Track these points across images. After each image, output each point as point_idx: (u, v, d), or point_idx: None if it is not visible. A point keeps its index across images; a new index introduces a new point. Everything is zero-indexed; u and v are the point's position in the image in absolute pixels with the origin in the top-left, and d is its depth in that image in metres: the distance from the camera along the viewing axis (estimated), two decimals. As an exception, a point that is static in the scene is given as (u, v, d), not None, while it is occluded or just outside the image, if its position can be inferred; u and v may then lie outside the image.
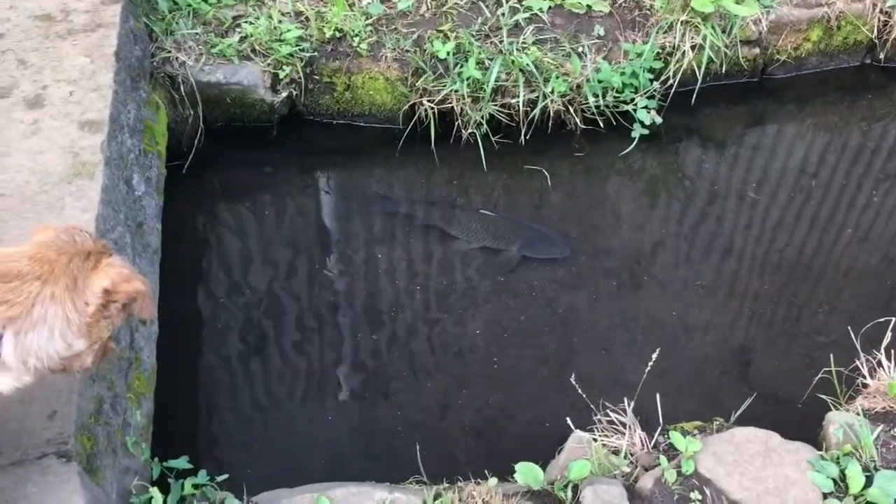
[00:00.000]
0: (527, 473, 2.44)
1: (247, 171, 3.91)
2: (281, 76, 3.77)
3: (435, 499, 2.36)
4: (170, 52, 3.67)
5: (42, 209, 2.55)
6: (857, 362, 2.80)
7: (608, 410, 2.70)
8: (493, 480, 2.45)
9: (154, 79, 3.62)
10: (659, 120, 3.92)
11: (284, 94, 3.83)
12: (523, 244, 3.57)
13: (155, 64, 3.64)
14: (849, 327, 2.98)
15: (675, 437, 2.51)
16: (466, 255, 3.58)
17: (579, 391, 2.77)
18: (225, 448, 2.91)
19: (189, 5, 3.79)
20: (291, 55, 3.76)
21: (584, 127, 3.94)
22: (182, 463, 2.48)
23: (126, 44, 3.26)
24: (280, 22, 3.83)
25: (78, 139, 2.77)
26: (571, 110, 3.91)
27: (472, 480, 2.50)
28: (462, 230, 3.62)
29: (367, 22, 3.89)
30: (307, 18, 3.87)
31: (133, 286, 1.83)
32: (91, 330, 1.79)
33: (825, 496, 2.36)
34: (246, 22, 3.81)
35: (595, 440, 2.59)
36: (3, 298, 1.69)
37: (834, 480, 2.39)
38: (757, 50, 4.15)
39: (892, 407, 2.62)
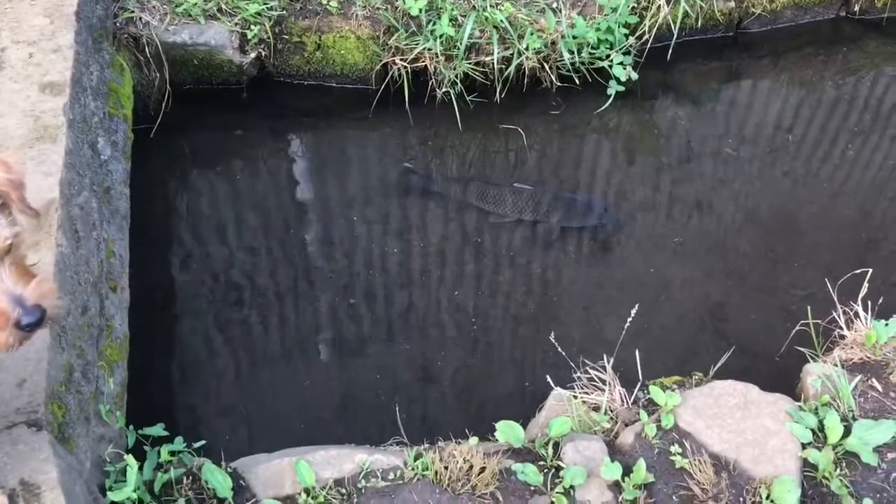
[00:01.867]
0: (507, 431, 2.42)
1: (217, 134, 3.82)
2: (249, 36, 3.67)
3: (415, 459, 2.34)
4: (133, 11, 3.55)
5: (3, 174, 2.46)
6: (834, 314, 2.81)
7: (588, 368, 2.69)
8: (473, 440, 2.44)
9: (117, 40, 3.51)
10: (635, 76, 3.88)
11: (253, 55, 3.74)
12: (563, 215, 3.50)
13: (118, 24, 3.52)
14: (825, 279, 2.98)
15: (655, 392, 2.50)
16: (441, 215, 3.54)
17: (559, 349, 2.76)
18: (202, 415, 2.88)
19: (152, -37, 3.67)
20: (259, 14, 3.66)
21: (559, 84, 3.89)
22: (158, 430, 2.44)
23: (87, 3, 3.15)
24: (247, -20, 3.72)
25: (39, 102, 2.68)
26: (547, 67, 3.86)
27: (454, 440, 2.48)
28: (497, 205, 3.52)
29: (337, -21, 3.79)
30: (275, -24, 3.76)
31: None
32: None
33: (804, 446, 2.38)
34: (211, -20, 3.70)
35: (575, 397, 2.58)
36: None
37: (812, 431, 2.41)
38: (732, 4, 4.11)
39: (869, 357, 2.64)
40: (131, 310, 2.87)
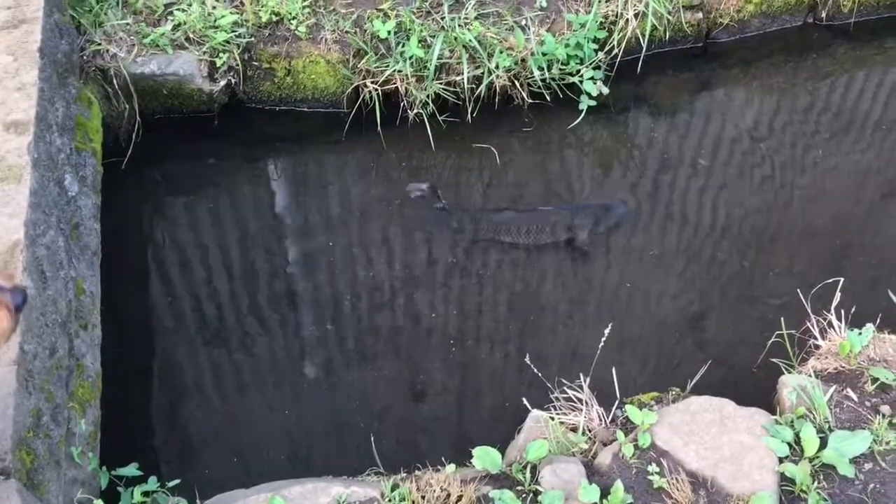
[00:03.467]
0: (484, 458, 2.41)
1: (189, 163, 3.81)
2: (218, 64, 3.66)
3: (392, 489, 2.33)
4: (100, 44, 3.54)
5: (-33, 216, 2.44)
6: (809, 324, 2.81)
7: (565, 387, 2.68)
8: (450, 467, 2.42)
9: (85, 73, 3.50)
10: (606, 90, 3.89)
11: (223, 83, 3.73)
12: (591, 225, 3.49)
13: (85, 57, 3.51)
14: (798, 290, 2.99)
15: (631, 411, 2.50)
16: (418, 238, 3.53)
17: (535, 371, 2.75)
18: (178, 450, 2.85)
19: (117, -5, 3.67)
20: (227, 42, 3.65)
21: (531, 101, 3.89)
22: (131, 470, 2.42)
23: (51, 39, 3.13)
24: (214, 8, 3.71)
25: (2, 142, 2.66)
26: (518, 85, 3.86)
27: (431, 468, 2.46)
28: (525, 235, 3.47)
29: (305, 4, 3.79)
30: (242, 3, 3.76)
31: None
32: None
33: (781, 460, 2.37)
34: (178, 9, 3.69)
35: (552, 418, 2.57)
36: None
37: (789, 444, 2.40)
38: (700, 15, 4.13)
39: (843, 367, 2.64)
40: (104, 346, 2.84)
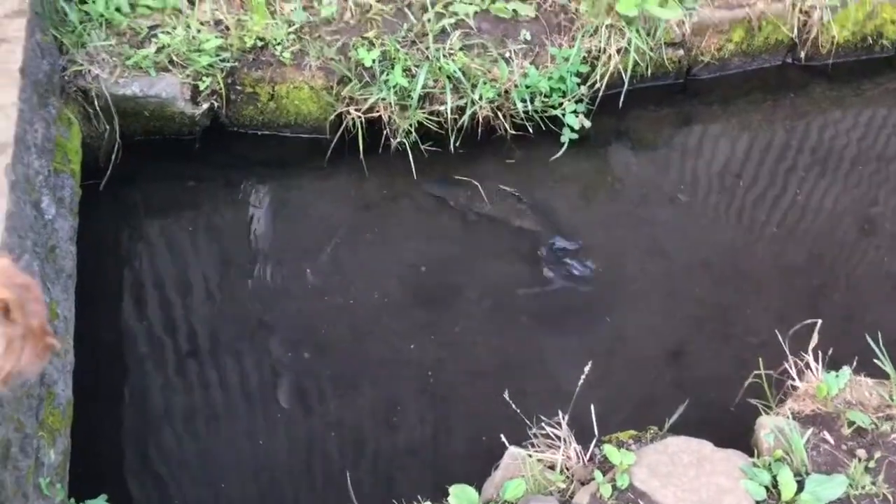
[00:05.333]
0: (461, 496, 2.39)
1: (169, 186, 3.77)
2: (201, 87, 3.64)
3: (368, 527, 2.30)
4: (82, 65, 3.51)
5: (-61, 239, 2.40)
6: (786, 364, 2.83)
7: (543, 424, 2.67)
8: (426, 504, 2.40)
9: (66, 93, 3.46)
10: (588, 124, 3.92)
11: (205, 106, 3.70)
12: None
13: (66, 78, 3.47)
14: (775, 328, 3.01)
15: (610, 451, 2.49)
16: (397, 267, 3.52)
17: (513, 406, 2.73)
18: (149, 482, 2.80)
19: (101, 16, 3.63)
20: (211, 66, 3.63)
21: (514, 133, 3.91)
22: (100, 502, 2.36)
23: (32, 59, 3.10)
24: (199, 31, 3.70)
25: (-21, 163, 2.62)
26: (501, 116, 3.87)
27: (407, 506, 2.44)
28: None
29: (290, 30, 3.78)
30: (227, 27, 3.74)
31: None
32: None
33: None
34: (163, 32, 3.67)
35: (530, 456, 2.55)
36: None
37: (766, 487, 2.41)
38: (681, 52, 4.18)
39: (820, 409, 2.65)
40: (76, 371, 2.79)
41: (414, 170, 3.77)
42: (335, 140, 3.82)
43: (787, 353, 2.83)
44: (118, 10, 3.69)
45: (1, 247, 2.39)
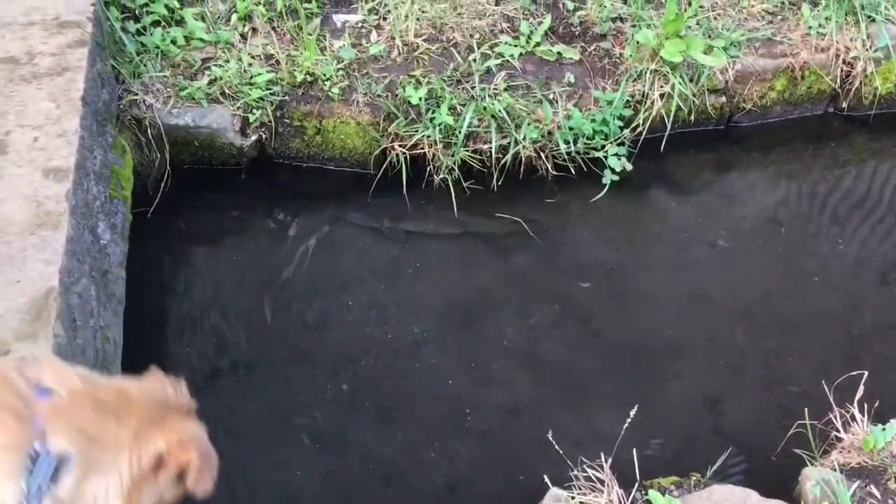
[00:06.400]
0: (504, 535, 2.38)
1: (214, 215, 3.84)
2: (251, 119, 3.72)
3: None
4: (137, 94, 3.60)
5: (3, 262, 2.46)
6: (831, 415, 2.81)
7: (585, 466, 2.66)
8: (469, 543, 2.39)
9: (120, 122, 3.55)
10: (629, 167, 3.95)
11: (254, 138, 3.78)
12: None
13: (122, 107, 3.57)
14: (817, 377, 2.99)
15: (655, 497, 2.48)
16: (437, 302, 3.54)
17: (556, 447, 2.73)
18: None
19: (157, 48, 3.74)
20: (262, 99, 3.72)
21: (555, 173, 3.95)
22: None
23: (93, 88, 3.19)
24: (250, 65, 3.79)
25: (42, 188, 2.69)
26: (543, 156, 3.92)
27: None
28: None
29: (339, 66, 3.87)
30: (278, 62, 3.84)
31: (185, 456, 1.58)
32: (132, 496, 1.53)
33: (804, 555, 2.35)
34: (215, 65, 3.76)
35: (572, 497, 2.54)
36: (87, 428, 1.49)
37: (812, 539, 2.38)
38: (724, 98, 4.21)
39: (866, 462, 2.63)
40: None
41: (455, 206, 3.81)
42: (379, 174, 3.87)
43: (833, 404, 2.81)
44: (174, 42, 3.79)
45: (61, 270, 2.45)
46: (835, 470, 2.57)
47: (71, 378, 1.56)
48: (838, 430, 2.76)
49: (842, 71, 4.27)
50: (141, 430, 1.55)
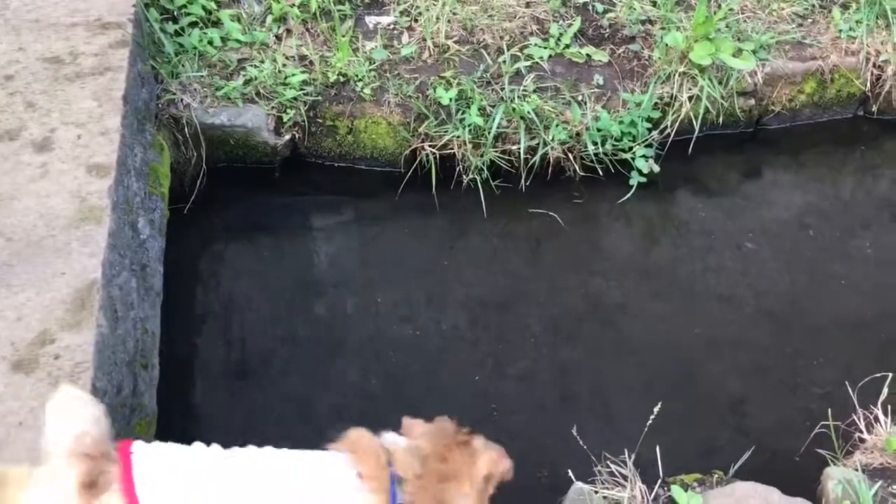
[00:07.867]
0: (528, 527, 2.43)
1: (248, 212, 3.93)
2: (285, 119, 3.81)
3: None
4: (175, 94, 3.70)
5: (49, 254, 2.56)
6: (854, 416, 2.83)
7: (609, 461, 2.71)
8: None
9: (159, 120, 3.65)
10: (657, 168, 3.98)
11: (287, 137, 3.87)
12: None
13: (160, 106, 3.67)
14: (846, 382, 3.01)
15: (677, 492, 2.52)
16: (465, 299, 3.60)
17: (580, 443, 2.78)
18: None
19: (195, 48, 3.84)
20: (295, 99, 3.80)
21: (583, 174, 3.99)
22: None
23: (134, 87, 3.29)
24: (284, 65, 3.88)
25: (85, 183, 2.79)
26: (571, 157, 3.96)
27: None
28: None
29: (371, 67, 3.94)
30: (311, 63, 3.92)
31: (504, 466, 2.16)
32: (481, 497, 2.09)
33: (825, 553, 2.38)
34: (251, 65, 3.86)
35: (596, 492, 2.59)
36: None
37: (834, 538, 2.41)
38: (752, 101, 4.23)
39: (889, 463, 2.64)
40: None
41: (484, 205, 3.87)
42: (408, 174, 3.94)
43: (856, 405, 2.83)
44: (210, 43, 3.89)
45: (104, 263, 2.54)
46: (857, 470, 2.59)
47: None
48: (861, 432, 2.78)
49: (872, 74, 4.27)
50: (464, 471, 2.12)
